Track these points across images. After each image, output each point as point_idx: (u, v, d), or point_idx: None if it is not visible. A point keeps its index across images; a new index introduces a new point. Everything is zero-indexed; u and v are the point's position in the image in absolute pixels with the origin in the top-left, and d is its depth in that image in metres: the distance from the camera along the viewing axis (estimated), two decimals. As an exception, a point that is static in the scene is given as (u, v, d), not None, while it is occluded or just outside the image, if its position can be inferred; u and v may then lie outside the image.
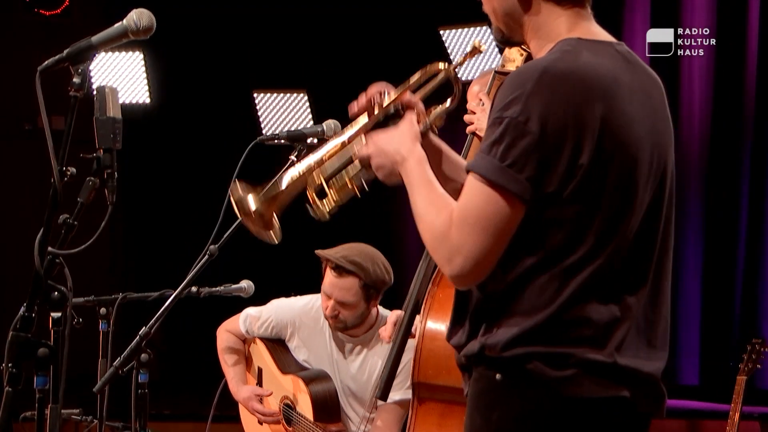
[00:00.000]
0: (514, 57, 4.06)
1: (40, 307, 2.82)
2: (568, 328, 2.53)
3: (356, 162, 2.90)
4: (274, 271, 8.50)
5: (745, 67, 7.48)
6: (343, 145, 2.93)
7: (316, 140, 4.56)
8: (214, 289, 4.71)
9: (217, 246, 4.16)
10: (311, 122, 9.31)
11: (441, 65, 2.91)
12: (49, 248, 2.82)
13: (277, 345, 5.39)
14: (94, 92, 2.96)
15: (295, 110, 9.47)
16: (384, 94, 2.91)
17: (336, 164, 2.93)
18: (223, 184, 4.21)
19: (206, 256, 4.17)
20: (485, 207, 2.49)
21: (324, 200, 2.93)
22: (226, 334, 5.50)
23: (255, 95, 9.67)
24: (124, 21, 2.90)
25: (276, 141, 4.46)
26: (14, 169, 9.11)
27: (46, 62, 2.84)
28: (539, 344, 2.53)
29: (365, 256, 5.04)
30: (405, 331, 4.19)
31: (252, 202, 2.92)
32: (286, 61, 9.69)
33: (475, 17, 7.31)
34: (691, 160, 7.99)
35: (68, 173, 2.81)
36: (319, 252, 5.11)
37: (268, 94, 9.62)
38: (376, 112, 2.90)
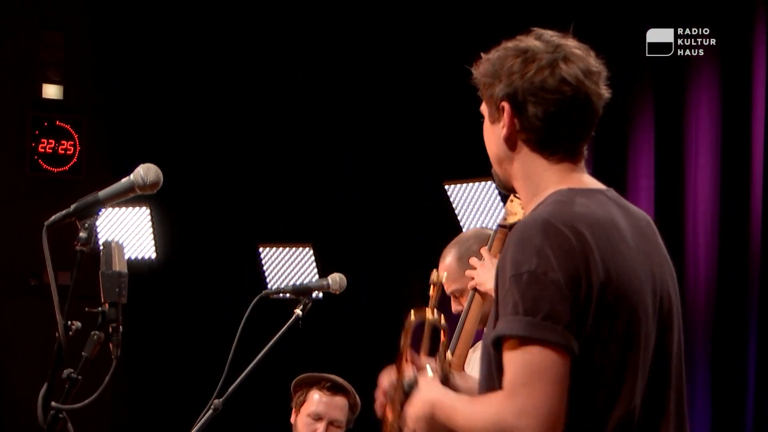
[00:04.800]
0: (516, 210, 4.02)
1: (42, 464, 2.80)
2: None
3: None
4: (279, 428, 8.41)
5: (750, 68, 7.37)
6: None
7: (321, 294, 4.57)
8: (218, 445, 4.66)
9: (221, 400, 4.13)
10: (316, 276, 9.30)
11: (429, 313, 2.96)
12: (53, 403, 2.80)
13: None
14: (101, 247, 2.96)
15: (300, 264, 9.48)
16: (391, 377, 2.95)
17: None
18: (228, 338, 4.21)
19: (210, 411, 4.14)
20: (531, 365, 2.39)
21: None
22: None
23: (260, 249, 9.70)
24: (131, 176, 2.92)
25: (281, 295, 4.48)
26: (19, 324, 9.09)
27: (53, 217, 2.85)
28: None
29: None
30: None
31: None
32: (291, 216, 9.74)
33: (480, 172, 7.38)
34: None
35: (73, 328, 2.80)
36: (309, 375, 5.08)
37: (274, 248, 9.65)
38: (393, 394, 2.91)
